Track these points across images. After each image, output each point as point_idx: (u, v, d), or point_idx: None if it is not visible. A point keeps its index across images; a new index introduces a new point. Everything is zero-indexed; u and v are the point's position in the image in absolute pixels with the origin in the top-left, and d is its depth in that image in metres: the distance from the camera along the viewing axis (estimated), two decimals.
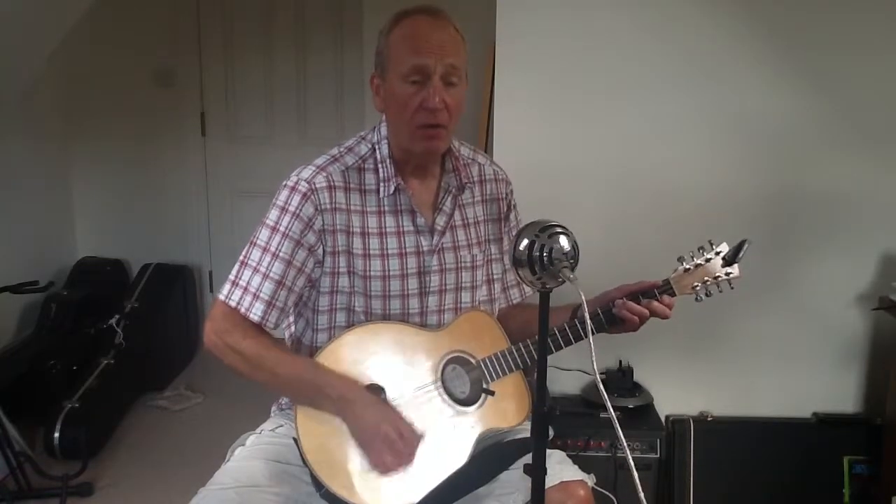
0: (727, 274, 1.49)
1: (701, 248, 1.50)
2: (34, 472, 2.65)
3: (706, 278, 1.49)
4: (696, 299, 1.50)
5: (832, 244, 2.28)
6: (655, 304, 1.46)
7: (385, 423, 1.38)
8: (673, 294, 1.49)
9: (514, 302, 1.69)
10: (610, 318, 1.48)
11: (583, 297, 1.13)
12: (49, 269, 3.68)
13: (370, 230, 1.48)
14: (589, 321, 1.15)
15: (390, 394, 1.44)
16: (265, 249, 1.43)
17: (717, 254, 1.49)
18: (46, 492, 2.60)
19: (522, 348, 1.50)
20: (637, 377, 2.32)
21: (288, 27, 4.00)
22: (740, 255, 1.47)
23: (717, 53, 2.19)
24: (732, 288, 1.51)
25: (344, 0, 3.90)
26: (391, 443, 1.37)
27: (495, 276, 1.64)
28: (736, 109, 2.22)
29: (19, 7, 2.78)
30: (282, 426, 1.52)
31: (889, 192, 2.25)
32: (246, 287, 1.43)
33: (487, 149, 2.27)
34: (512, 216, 1.66)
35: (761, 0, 2.18)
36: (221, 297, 1.45)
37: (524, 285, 1.68)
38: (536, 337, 1.23)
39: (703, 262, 1.49)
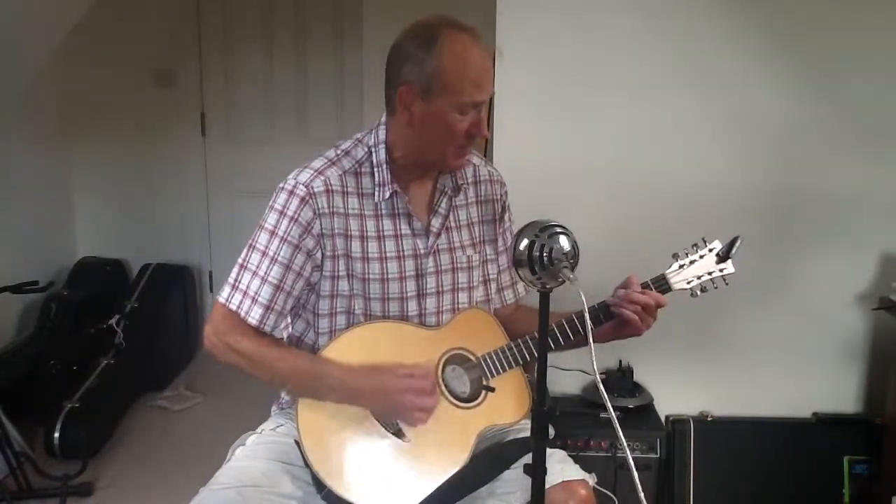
0: (721, 270, 1.51)
1: (694, 245, 1.52)
2: (34, 472, 2.65)
3: (701, 274, 1.50)
4: (692, 295, 1.51)
5: (832, 244, 2.28)
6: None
7: (391, 376, 1.39)
8: (669, 290, 1.49)
9: (508, 303, 1.69)
10: (607, 314, 1.48)
11: (583, 297, 1.13)
12: (49, 269, 3.68)
13: (368, 233, 1.48)
14: (588, 317, 1.15)
15: None
16: (264, 253, 1.44)
17: (711, 250, 1.51)
18: (46, 492, 2.60)
19: (521, 344, 1.51)
20: (637, 377, 2.32)
21: (288, 27, 4.00)
22: (733, 251, 1.49)
23: (717, 53, 2.19)
24: (727, 284, 1.52)
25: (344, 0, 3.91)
26: (411, 388, 1.39)
27: (491, 277, 1.64)
28: (736, 109, 2.22)
29: (19, 7, 2.78)
30: (282, 426, 1.53)
31: (889, 192, 2.25)
32: (245, 291, 1.44)
33: (487, 149, 2.27)
34: (506, 217, 1.67)
35: (761, 0, 2.18)
36: (221, 300, 1.46)
37: (518, 286, 1.69)
38: (535, 333, 1.23)
39: (697, 259, 1.50)
